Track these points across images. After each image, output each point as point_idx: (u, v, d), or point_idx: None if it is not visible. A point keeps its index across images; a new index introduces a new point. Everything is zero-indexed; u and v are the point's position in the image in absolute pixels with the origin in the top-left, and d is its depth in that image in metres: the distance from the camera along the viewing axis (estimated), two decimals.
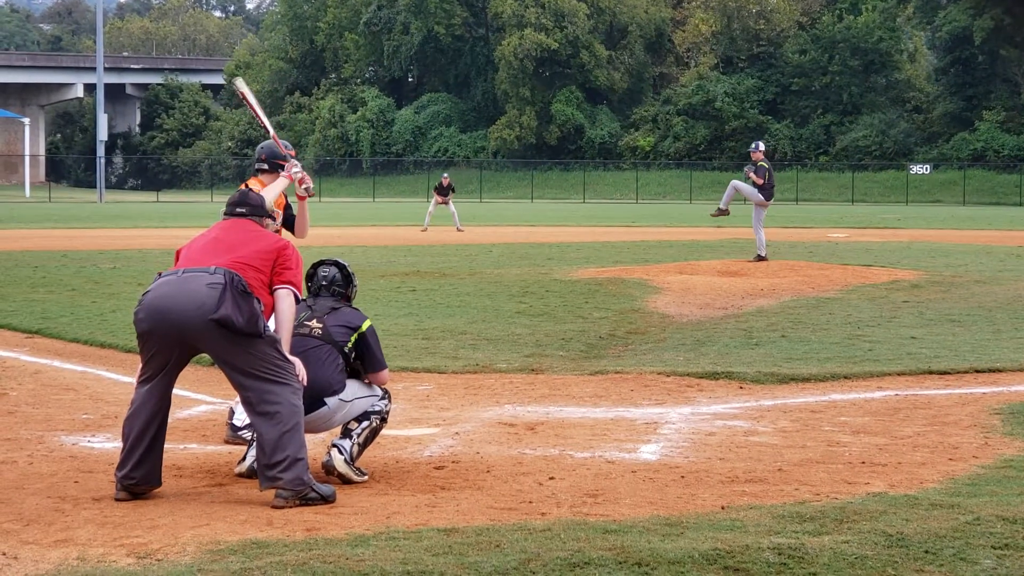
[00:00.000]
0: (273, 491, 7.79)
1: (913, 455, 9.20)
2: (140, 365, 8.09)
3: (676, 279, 23.42)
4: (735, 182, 27.14)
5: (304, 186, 10.26)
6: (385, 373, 8.86)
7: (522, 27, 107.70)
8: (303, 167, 10.36)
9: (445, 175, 49.45)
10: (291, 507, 7.66)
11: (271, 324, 8.08)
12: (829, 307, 19.40)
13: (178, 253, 8.26)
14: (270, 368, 7.86)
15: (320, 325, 8.62)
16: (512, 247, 34.99)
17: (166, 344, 7.87)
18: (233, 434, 9.82)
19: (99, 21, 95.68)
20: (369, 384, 8.84)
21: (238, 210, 8.42)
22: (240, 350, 7.81)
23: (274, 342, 7.95)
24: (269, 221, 8.70)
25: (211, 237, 8.24)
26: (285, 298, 8.13)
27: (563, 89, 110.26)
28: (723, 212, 27.20)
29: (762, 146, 27.68)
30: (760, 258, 26.28)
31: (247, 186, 10.15)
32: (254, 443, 8.70)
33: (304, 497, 7.74)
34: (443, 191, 46.69)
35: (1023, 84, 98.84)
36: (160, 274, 8.06)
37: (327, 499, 7.80)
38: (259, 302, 7.90)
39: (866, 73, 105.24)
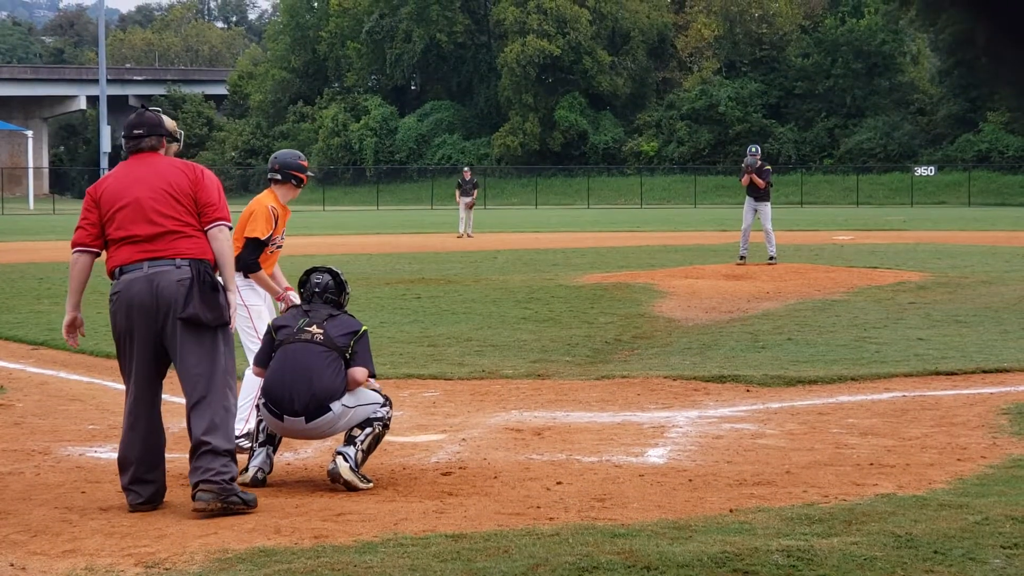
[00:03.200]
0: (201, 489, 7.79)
1: (921, 456, 9.19)
2: (123, 377, 8.13)
3: (681, 283, 23.42)
4: (753, 227, 27.61)
5: (282, 300, 10.24)
6: (364, 372, 8.72)
7: (524, 34, 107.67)
8: (298, 195, 10.43)
9: (467, 168, 48.65)
10: (213, 508, 7.67)
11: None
12: (835, 309, 19.38)
13: (95, 197, 8.10)
14: (215, 372, 7.92)
15: (321, 331, 8.62)
16: (517, 253, 34.99)
17: (142, 342, 7.90)
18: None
19: (101, 33, 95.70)
20: (371, 390, 8.83)
21: (135, 132, 8.22)
22: (196, 347, 7.85)
23: (229, 339, 8.04)
24: (175, 145, 8.56)
25: (135, 198, 8.01)
26: (220, 235, 8.10)
27: (566, 95, 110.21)
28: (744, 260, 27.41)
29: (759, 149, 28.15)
30: (773, 259, 26.83)
31: (274, 205, 10.21)
32: (255, 453, 8.70)
33: (226, 501, 7.72)
34: (466, 187, 45.45)
35: None
36: (122, 268, 7.95)
37: (249, 505, 7.79)
38: (221, 289, 7.96)
39: (869, 76, 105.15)
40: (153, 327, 7.83)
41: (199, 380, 7.87)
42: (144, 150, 8.21)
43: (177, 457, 9.16)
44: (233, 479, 7.81)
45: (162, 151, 8.29)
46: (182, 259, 7.86)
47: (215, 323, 7.84)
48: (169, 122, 8.47)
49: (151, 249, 7.90)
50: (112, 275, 8.02)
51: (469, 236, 44.09)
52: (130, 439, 7.98)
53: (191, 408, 7.91)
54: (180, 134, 8.71)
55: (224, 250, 8.10)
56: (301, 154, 10.75)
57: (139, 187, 8.05)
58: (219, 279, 8.01)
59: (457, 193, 46.25)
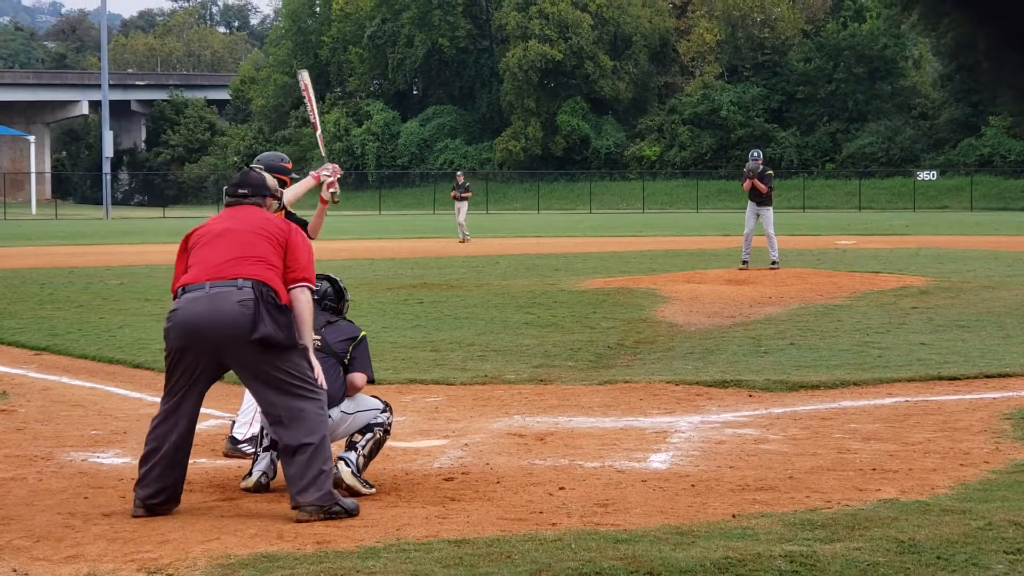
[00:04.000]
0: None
1: (924, 461, 9.18)
2: (165, 385, 8.06)
3: (684, 288, 23.41)
4: (755, 231, 27.38)
5: (331, 191, 10.28)
6: (363, 378, 8.76)
7: (526, 38, 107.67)
8: (334, 174, 10.36)
9: (460, 172, 48.47)
10: (315, 521, 7.64)
11: None
12: (838, 314, 19.37)
13: (186, 240, 8.23)
14: (299, 384, 7.85)
15: (319, 337, 8.62)
16: (519, 258, 34.98)
17: (197, 361, 7.87)
18: (233, 447, 9.80)
19: (103, 38, 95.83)
20: (369, 396, 8.85)
21: (240, 191, 8.36)
22: (274, 366, 7.79)
23: (305, 352, 7.95)
24: (273, 202, 8.65)
25: (221, 230, 8.17)
26: (301, 296, 8.10)
27: (568, 100, 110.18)
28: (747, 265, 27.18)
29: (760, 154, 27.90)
30: (775, 264, 26.63)
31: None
32: (259, 458, 8.70)
33: (329, 512, 7.72)
34: (459, 188, 45.46)
35: None
36: (183, 287, 8.02)
37: (351, 513, 7.78)
38: (289, 310, 7.91)
39: (871, 80, 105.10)
40: (211, 347, 7.79)
41: (284, 402, 7.86)
42: (244, 204, 8.34)
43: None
44: (332, 487, 7.85)
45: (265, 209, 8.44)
46: (244, 280, 7.85)
47: (287, 343, 7.79)
48: (271, 180, 8.62)
49: (216, 272, 7.93)
50: (175, 295, 8.05)
51: (468, 239, 44.00)
52: (164, 431, 7.93)
53: (284, 430, 7.90)
54: (280, 192, 8.82)
55: (304, 311, 8.07)
56: (285, 156, 10.72)
57: (231, 222, 8.21)
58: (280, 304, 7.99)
59: (455, 196, 45.96)
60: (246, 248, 8.02)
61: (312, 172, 10.23)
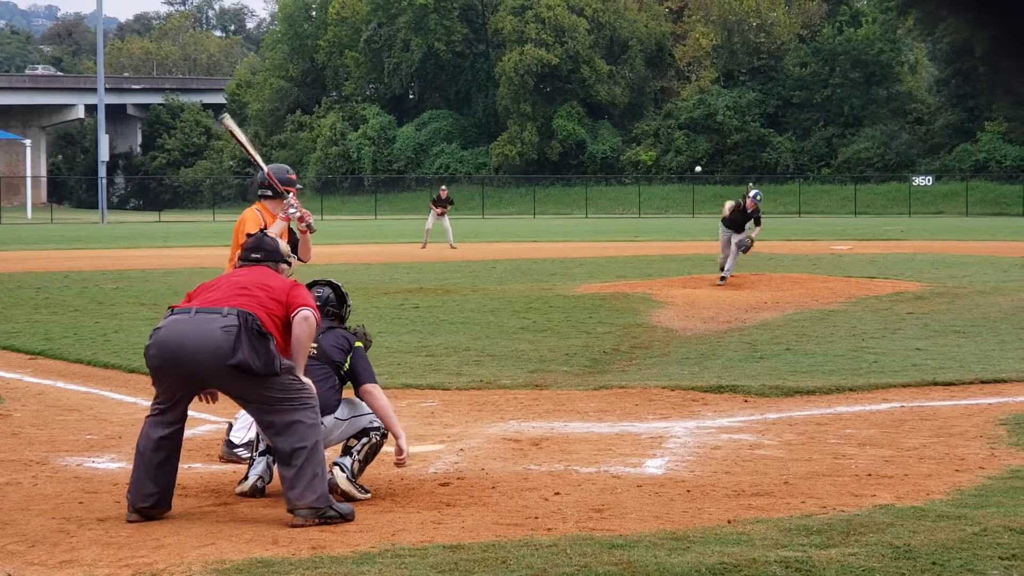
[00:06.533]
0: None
1: (919, 467, 9.18)
2: (154, 395, 8.09)
3: (680, 293, 23.40)
4: (734, 245, 26.56)
5: (304, 223, 10.26)
6: (375, 386, 8.83)
7: (522, 43, 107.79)
8: (300, 200, 10.37)
9: (444, 187, 48.61)
10: (310, 525, 7.64)
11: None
12: (833, 319, 19.37)
13: (189, 295, 8.31)
14: (287, 398, 7.87)
15: (315, 344, 8.62)
16: (515, 263, 34.95)
17: (177, 380, 7.90)
18: (229, 451, 9.79)
19: (99, 42, 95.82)
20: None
21: (253, 256, 8.50)
22: (256, 388, 7.82)
23: (290, 370, 7.95)
24: (284, 267, 8.70)
25: (223, 281, 8.31)
26: (302, 322, 8.13)
27: (564, 104, 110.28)
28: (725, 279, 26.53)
29: (760, 196, 27.10)
30: (723, 279, 25.93)
31: (262, 214, 10.22)
32: (255, 462, 8.70)
33: (323, 516, 7.72)
34: (441, 203, 45.63)
35: None
36: (172, 308, 8.07)
37: (345, 518, 7.79)
38: (272, 339, 7.90)
39: (867, 85, 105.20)
40: (189, 370, 7.82)
41: (275, 415, 7.88)
42: (256, 266, 8.52)
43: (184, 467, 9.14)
44: (328, 491, 7.87)
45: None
46: (230, 308, 7.90)
47: (264, 371, 7.80)
48: (284, 247, 8.82)
49: (206, 304, 8.02)
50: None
51: (452, 247, 43.81)
52: (152, 437, 7.96)
53: (277, 437, 7.91)
54: (292, 258, 9.06)
55: (303, 337, 8.14)
56: (289, 167, 10.72)
57: (234, 277, 8.39)
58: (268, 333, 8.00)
59: (433, 207, 45.78)
60: (243, 292, 8.11)
61: (280, 214, 10.20)
